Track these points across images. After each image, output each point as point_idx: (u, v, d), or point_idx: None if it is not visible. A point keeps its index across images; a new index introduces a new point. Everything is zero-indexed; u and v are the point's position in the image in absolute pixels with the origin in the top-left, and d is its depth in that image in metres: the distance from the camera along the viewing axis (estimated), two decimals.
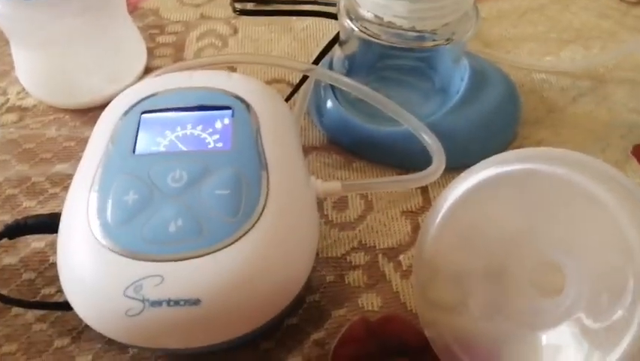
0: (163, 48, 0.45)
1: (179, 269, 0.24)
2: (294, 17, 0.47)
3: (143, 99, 0.30)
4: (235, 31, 0.46)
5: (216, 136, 0.29)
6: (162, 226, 0.25)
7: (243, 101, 0.30)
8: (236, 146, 0.28)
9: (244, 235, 0.25)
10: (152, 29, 0.46)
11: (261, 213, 0.26)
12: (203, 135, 0.29)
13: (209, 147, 0.28)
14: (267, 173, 0.27)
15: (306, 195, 0.28)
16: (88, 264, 0.25)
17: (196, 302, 0.24)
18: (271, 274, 0.25)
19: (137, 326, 0.24)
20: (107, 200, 0.26)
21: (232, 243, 0.25)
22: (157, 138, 0.28)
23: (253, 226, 0.25)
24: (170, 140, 0.28)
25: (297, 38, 0.46)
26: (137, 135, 0.28)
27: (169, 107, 0.30)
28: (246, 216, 0.25)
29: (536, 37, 0.46)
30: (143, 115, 0.29)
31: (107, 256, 0.24)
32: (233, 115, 0.29)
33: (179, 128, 0.29)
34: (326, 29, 0.47)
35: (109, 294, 0.24)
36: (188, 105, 0.30)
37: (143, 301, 0.24)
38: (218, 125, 0.29)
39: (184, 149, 0.28)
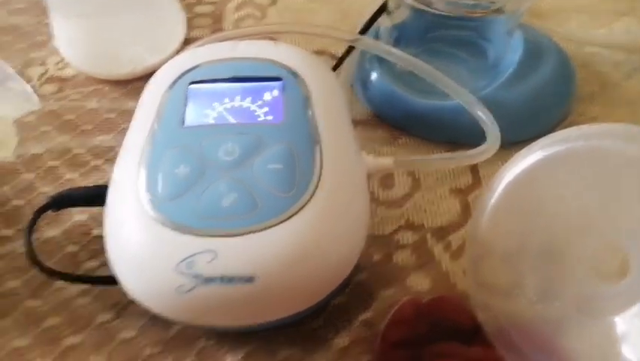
0: (201, 19, 0.44)
1: (233, 245, 0.23)
2: None
3: (189, 70, 0.29)
4: (274, 1, 0.45)
5: (267, 108, 0.28)
6: (215, 200, 0.24)
7: (292, 71, 0.29)
8: (288, 119, 0.27)
9: (299, 210, 0.24)
10: None
11: (315, 189, 0.25)
12: (253, 107, 0.28)
13: (260, 119, 0.27)
14: (320, 147, 0.26)
15: (358, 170, 0.27)
16: (139, 238, 0.24)
17: (250, 279, 0.23)
18: (326, 251, 0.24)
19: (188, 302, 0.23)
20: (158, 173, 0.25)
21: (287, 218, 0.24)
22: (206, 110, 0.28)
23: (308, 201, 0.24)
24: (220, 112, 0.28)
25: (338, 9, 0.44)
26: (185, 107, 0.28)
27: (218, 77, 0.29)
28: (301, 191, 0.25)
29: (588, 8, 0.44)
30: (191, 86, 0.28)
31: (158, 230, 0.24)
32: (283, 86, 0.28)
33: (228, 100, 0.28)
34: (367, 0, 0.45)
35: (160, 269, 0.23)
36: (237, 76, 0.29)
37: (196, 277, 0.23)
38: (269, 96, 0.28)
39: (234, 121, 0.27)
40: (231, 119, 0.27)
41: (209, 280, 0.23)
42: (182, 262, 0.23)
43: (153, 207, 0.24)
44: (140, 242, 0.24)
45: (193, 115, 0.27)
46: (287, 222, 0.24)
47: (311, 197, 0.25)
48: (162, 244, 0.24)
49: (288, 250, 0.23)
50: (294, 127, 0.27)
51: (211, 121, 0.27)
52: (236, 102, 0.28)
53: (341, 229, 0.25)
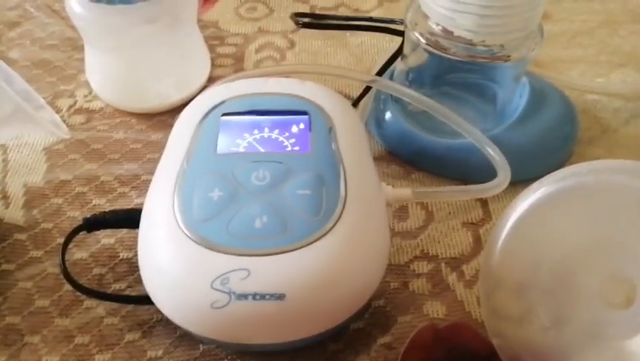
0: (223, 59, 0.46)
1: (265, 264, 0.25)
2: (349, 33, 0.48)
3: (221, 103, 0.31)
4: (292, 44, 0.48)
5: (294, 139, 0.29)
6: (248, 221, 0.26)
7: (318, 107, 0.31)
8: (315, 149, 0.29)
9: (327, 233, 0.26)
10: (212, 40, 0.47)
11: (341, 213, 0.26)
12: (282, 138, 0.30)
13: (289, 149, 0.29)
14: (345, 176, 0.28)
15: (379, 198, 0.29)
16: (175, 257, 0.25)
17: (281, 297, 0.24)
18: (352, 271, 0.26)
19: (221, 318, 0.25)
20: (193, 197, 0.27)
21: (316, 240, 0.25)
22: (237, 140, 0.29)
23: (335, 225, 0.26)
24: (250, 142, 0.29)
25: (352, 53, 0.47)
26: (218, 136, 0.29)
27: (249, 110, 0.31)
28: (328, 215, 0.26)
29: (587, 59, 0.47)
30: (223, 117, 0.30)
31: (194, 249, 0.25)
32: (310, 120, 0.30)
33: (258, 131, 0.30)
34: (380, 45, 0.48)
35: (196, 286, 0.25)
36: (267, 109, 0.31)
37: (229, 293, 0.24)
38: (297, 128, 0.30)
39: (264, 150, 0.29)
40: (262, 149, 0.29)
41: (242, 296, 0.24)
42: (217, 278, 0.24)
43: (189, 227, 0.26)
44: (177, 260, 0.25)
45: (225, 144, 0.29)
46: (316, 244, 0.25)
47: (337, 221, 0.26)
48: (198, 261, 0.25)
49: (318, 270, 0.25)
50: (321, 157, 0.29)
51: (242, 150, 0.29)
52: (265, 133, 0.30)
53: (366, 250, 0.27)
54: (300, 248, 0.25)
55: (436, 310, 0.31)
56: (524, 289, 0.28)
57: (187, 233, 0.26)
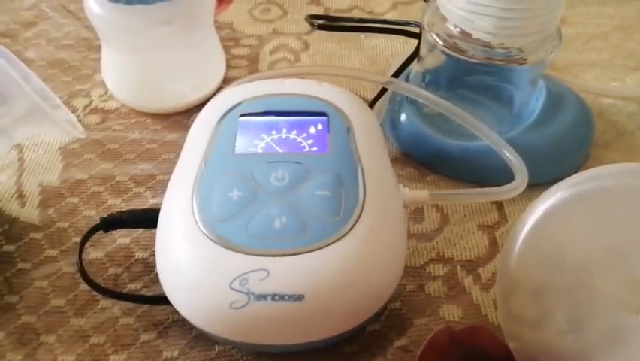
0: (238, 60, 0.46)
1: (284, 265, 0.25)
2: (363, 35, 0.48)
3: (239, 103, 0.31)
4: (307, 46, 0.48)
5: (313, 140, 0.29)
6: (267, 222, 0.26)
7: (336, 108, 0.31)
8: (333, 150, 0.29)
9: (346, 234, 0.26)
10: (227, 42, 0.48)
11: (360, 214, 0.26)
12: (300, 139, 0.30)
13: (307, 150, 0.29)
14: (363, 177, 0.28)
15: (396, 200, 0.29)
16: (194, 257, 0.25)
17: (300, 298, 0.24)
18: (372, 272, 0.26)
19: (240, 319, 0.24)
20: (212, 197, 0.27)
21: (335, 241, 0.25)
22: (255, 140, 0.29)
23: (354, 225, 0.26)
24: (269, 142, 0.29)
25: (367, 55, 0.47)
26: (236, 137, 0.29)
27: (267, 111, 0.31)
28: (347, 216, 0.26)
29: (601, 63, 0.47)
30: (242, 118, 0.30)
31: (213, 249, 0.25)
32: (328, 121, 0.30)
33: (277, 132, 0.30)
34: (395, 48, 0.48)
35: (214, 286, 0.25)
36: (285, 110, 0.31)
37: (248, 294, 0.24)
38: (315, 129, 0.30)
39: (283, 151, 0.29)
40: (280, 149, 0.29)
41: (261, 297, 0.24)
42: (236, 279, 0.24)
43: (208, 227, 0.26)
44: (197, 260, 0.25)
45: (243, 144, 0.29)
46: (335, 245, 0.25)
47: (356, 222, 0.26)
48: (218, 261, 0.25)
49: (337, 271, 0.25)
50: (340, 158, 0.29)
51: (261, 150, 0.29)
52: (284, 134, 0.30)
53: (384, 252, 0.26)
54: (319, 249, 0.25)
55: (452, 313, 0.31)
56: (542, 292, 0.27)
57: (206, 233, 0.26)
